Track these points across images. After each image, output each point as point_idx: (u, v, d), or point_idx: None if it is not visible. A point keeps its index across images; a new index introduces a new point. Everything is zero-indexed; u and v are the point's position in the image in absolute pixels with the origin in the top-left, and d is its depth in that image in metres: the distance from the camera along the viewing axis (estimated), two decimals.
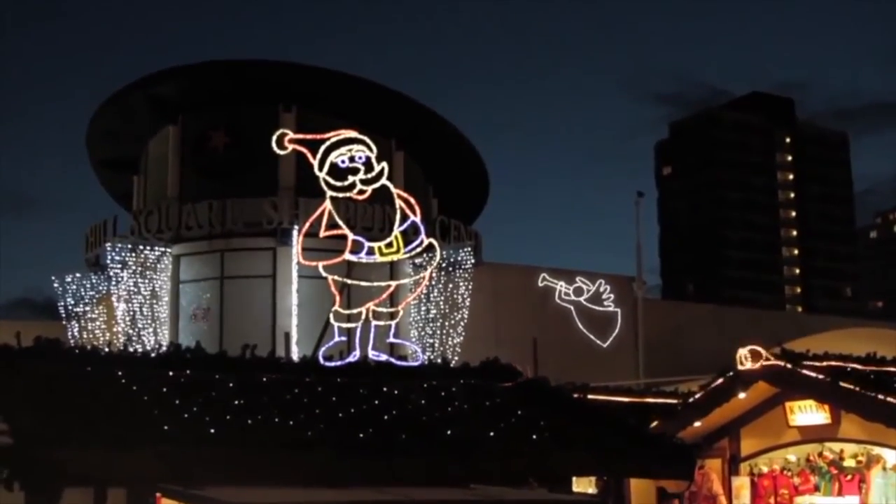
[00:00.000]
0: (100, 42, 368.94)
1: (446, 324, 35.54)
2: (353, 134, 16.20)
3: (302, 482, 10.31)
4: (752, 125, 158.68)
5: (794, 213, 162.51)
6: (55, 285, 37.26)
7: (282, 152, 16.03)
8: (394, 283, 16.38)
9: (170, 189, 36.67)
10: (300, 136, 16.20)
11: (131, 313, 34.95)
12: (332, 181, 15.65)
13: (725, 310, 56.16)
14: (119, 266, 34.93)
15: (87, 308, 37.14)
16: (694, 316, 47.68)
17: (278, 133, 16.15)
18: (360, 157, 15.58)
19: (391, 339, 16.21)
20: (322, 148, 15.92)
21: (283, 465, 10.59)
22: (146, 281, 35.21)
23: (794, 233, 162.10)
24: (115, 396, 11.18)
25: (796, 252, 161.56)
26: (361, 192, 15.88)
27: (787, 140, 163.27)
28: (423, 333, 35.27)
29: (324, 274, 17.30)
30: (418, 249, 16.38)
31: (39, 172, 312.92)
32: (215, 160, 36.11)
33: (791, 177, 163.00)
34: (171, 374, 12.05)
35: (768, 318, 55.90)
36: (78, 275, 37.23)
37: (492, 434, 12.21)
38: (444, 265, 35.89)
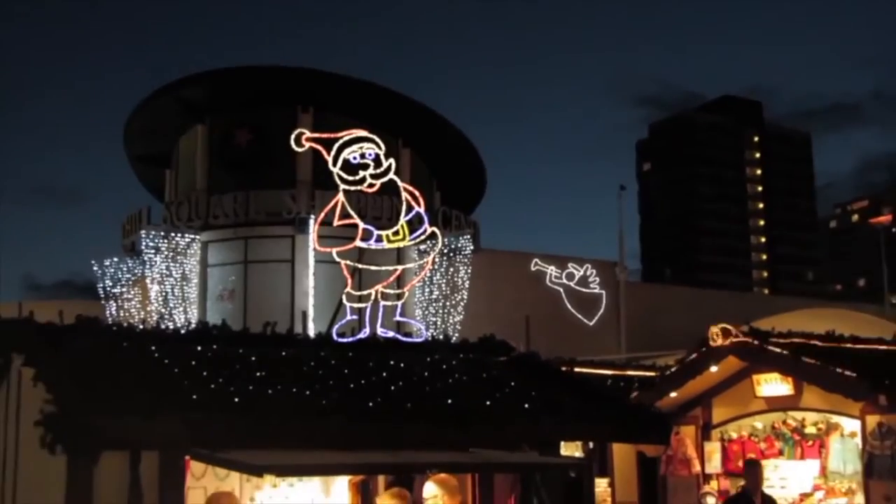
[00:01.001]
0: (134, 46, 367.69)
1: (447, 304, 35.52)
2: (363, 133, 16.18)
3: (319, 446, 10.32)
4: (723, 126, 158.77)
5: (761, 205, 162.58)
6: (95, 269, 37.20)
7: (300, 149, 16.03)
8: (400, 268, 16.42)
9: (198, 182, 36.67)
10: (316, 135, 16.16)
11: (164, 294, 34.96)
12: (344, 175, 15.60)
13: (700, 292, 55.95)
14: (153, 251, 34.94)
15: (124, 289, 37.09)
16: (671, 297, 47.58)
17: (296, 132, 16.13)
18: (369, 154, 15.55)
19: (398, 318, 16.18)
20: (336, 146, 15.84)
21: (302, 431, 10.60)
22: (177, 265, 35.22)
23: (762, 223, 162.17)
24: (148, 369, 11.16)
25: (763, 240, 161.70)
26: (371, 185, 15.85)
27: (756, 139, 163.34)
28: (426, 312, 35.27)
29: (337, 259, 17.26)
30: (422, 237, 16.34)
31: (78, 167, 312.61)
32: (239, 156, 36.07)
33: (759, 172, 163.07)
34: (199, 349, 12.03)
35: (739, 299, 55.91)
36: (115, 259, 37.18)
37: (488, 403, 12.24)
38: (445, 251, 35.87)
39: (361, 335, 15.24)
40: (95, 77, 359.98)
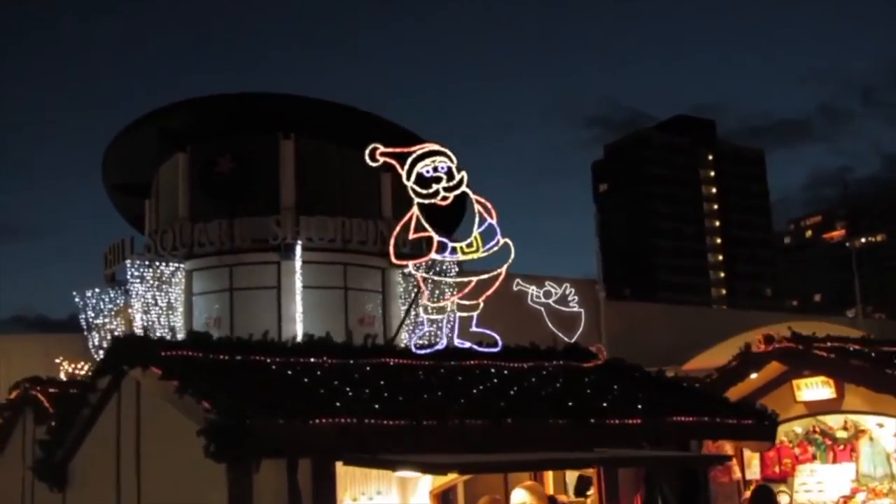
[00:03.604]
0: (112, 74, 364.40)
1: (435, 325, 35.72)
2: (435, 147, 16.37)
3: (462, 448, 10.55)
4: (677, 145, 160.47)
5: (717, 223, 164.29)
6: (76, 299, 37.14)
7: (374, 164, 16.04)
8: (474, 279, 16.54)
9: (181, 210, 36.68)
10: (390, 149, 16.30)
11: (149, 323, 34.93)
12: (418, 189, 15.76)
13: (677, 308, 56.85)
14: (138, 280, 34.96)
15: (107, 320, 37.03)
16: (649, 314, 48.27)
17: (370, 147, 16.19)
18: (442, 167, 15.71)
19: (473, 328, 16.44)
20: (409, 160, 16.03)
21: (446, 433, 10.81)
22: (162, 294, 35.26)
23: (718, 240, 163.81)
24: (280, 379, 11.36)
25: (720, 258, 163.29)
26: (444, 198, 15.96)
27: (710, 157, 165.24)
28: (412, 335, 35.48)
29: (413, 271, 17.49)
30: (495, 248, 16.57)
31: (24, 203, 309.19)
32: (222, 183, 36.08)
33: (714, 190, 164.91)
34: (311, 360, 12.24)
35: (715, 314, 56.72)
36: (97, 290, 37.13)
37: (605, 404, 12.57)
38: (430, 273, 36.22)
39: (439, 346, 15.48)
40: (65, 106, 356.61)
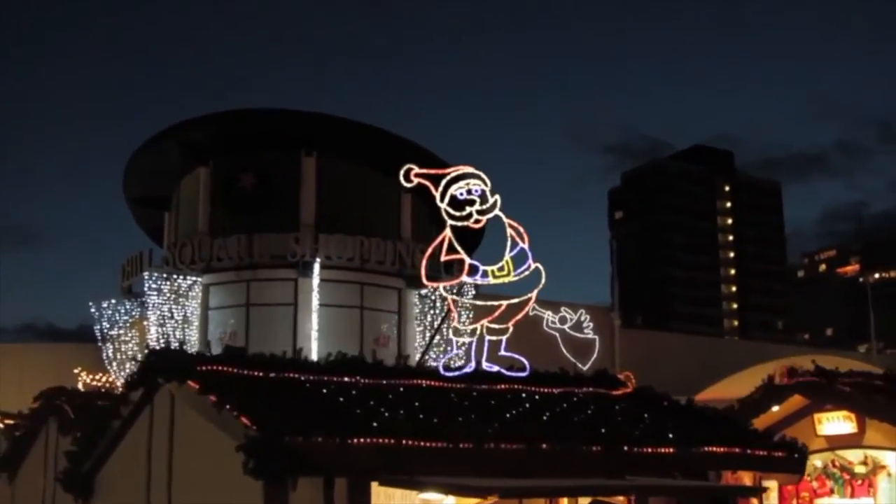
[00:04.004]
0: (123, 85, 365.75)
1: (447, 347, 35.68)
2: (469, 169, 16.37)
3: (496, 472, 10.54)
4: (694, 175, 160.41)
5: (732, 254, 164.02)
6: (92, 310, 37.17)
7: (408, 185, 16.06)
8: (504, 303, 16.51)
9: (200, 224, 36.70)
10: (424, 170, 16.28)
11: (164, 336, 34.90)
12: (451, 211, 15.75)
13: (690, 338, 56.58)
14: (155, 293, 34.96)
15: (121, 332, 37.05)
16: (662, 343, 48.10)
17: (405, 168, 16.19)
18: (476, 190, 15.74)
19: (502, 352, 16.42)
20: (443, 182, 16.01)
21: (481, 457, 10.79)
22: (179, 307, 35.25)
23: (733, 272, 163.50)
24: (315, 397, 11.36)
25: (734, 289, 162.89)
26: (477, 221, 15.96)
27: (727, 188, 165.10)
28: (427, 357, 35.42)
29: (444, 294, 17.48)
30: (527, 273, 16.51)
31: (36, 210, 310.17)
32: (243, 198, 36.12)
33: (730, 221, 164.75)
34: (345, 379, 12.23)
35: (731, 345, 56.49)
36: (113, 301, 37.18)
37: (636, 432, 12.54)
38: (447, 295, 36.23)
39: (467, 369, 15.45)
40: (82, 114, 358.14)
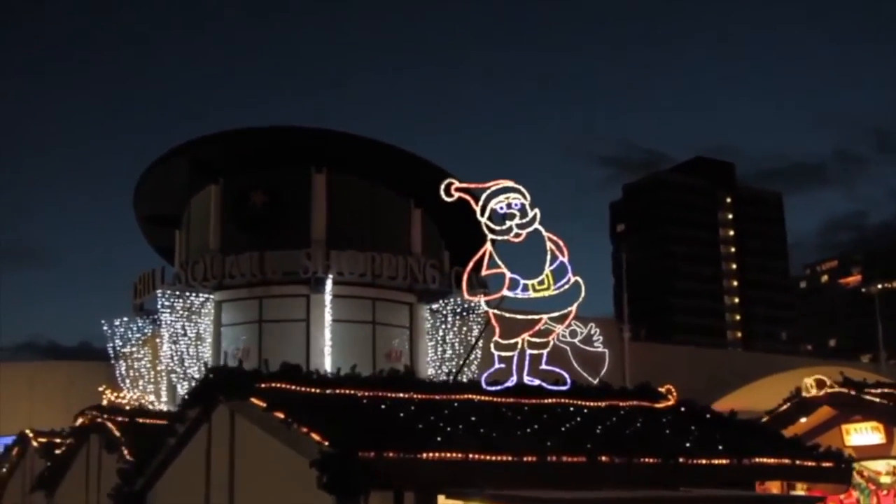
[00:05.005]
0: (127, 105, 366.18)
1: (459, 362, 35.88)
2: (509, 183, 16.49)
3: (556, 484, 10.74)
4: (696, 186, 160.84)
5: (734, 266, 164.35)
6: (105, 328, 37.41)
7: (449, 199, 16.14)
8: (545, 317, 16.68)
9: (212, 241, 36.94)
10: (465, 185, 16.41)
11: (178, 353, 35.13)
12: (491, 226, 15.93)
13: (697, 350, 56.80)
14: (167, 310, 35.19)
15: (134, 349, 37.29)
16: (670, 355, 48.27)
17: (446, 182, 16.30)
18: (516, 205, 15.87)
19: (543, 366, 16.60)
20: (483, 196, 16.16)
21: (544, 470, 10.99)
22: (191, 324, 35.49)
23: (735, 283, 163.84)
24: (375, 413, 11.56)
25: (737, 300, 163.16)
26: (517, 235, 16.09)
27: (728, 200, 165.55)
28: (439, 372, 35.65)
29: (485, 308, 17.63)
30: (566, 286, 16.68)
31: (38, 228, 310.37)
32: (254, 215, 36.37)
33: (732, 233, 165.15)
34: (401, 395, 12.45)
35: (739, 357, 56.64)
36: (125, 319, 37.44)
37: (688, 445, 12.75)
38: (458, 310, 36.48)
39: (509, 384, 15.62)
40: (92, 136, 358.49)
